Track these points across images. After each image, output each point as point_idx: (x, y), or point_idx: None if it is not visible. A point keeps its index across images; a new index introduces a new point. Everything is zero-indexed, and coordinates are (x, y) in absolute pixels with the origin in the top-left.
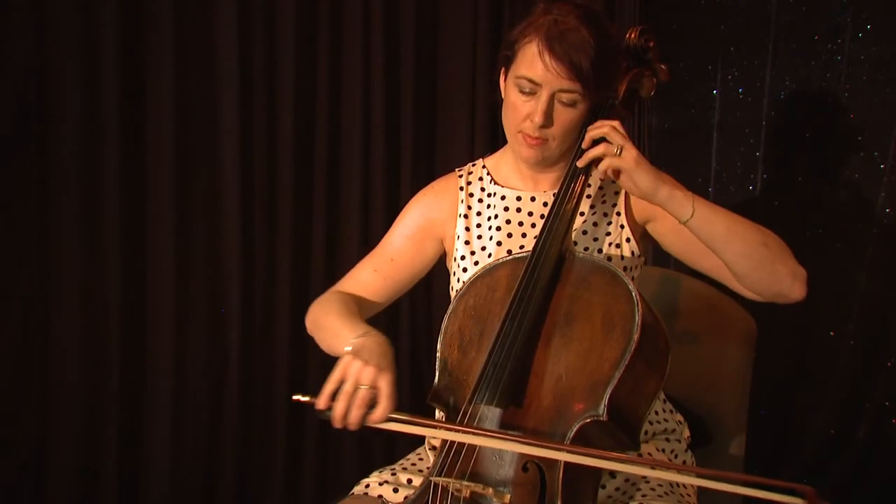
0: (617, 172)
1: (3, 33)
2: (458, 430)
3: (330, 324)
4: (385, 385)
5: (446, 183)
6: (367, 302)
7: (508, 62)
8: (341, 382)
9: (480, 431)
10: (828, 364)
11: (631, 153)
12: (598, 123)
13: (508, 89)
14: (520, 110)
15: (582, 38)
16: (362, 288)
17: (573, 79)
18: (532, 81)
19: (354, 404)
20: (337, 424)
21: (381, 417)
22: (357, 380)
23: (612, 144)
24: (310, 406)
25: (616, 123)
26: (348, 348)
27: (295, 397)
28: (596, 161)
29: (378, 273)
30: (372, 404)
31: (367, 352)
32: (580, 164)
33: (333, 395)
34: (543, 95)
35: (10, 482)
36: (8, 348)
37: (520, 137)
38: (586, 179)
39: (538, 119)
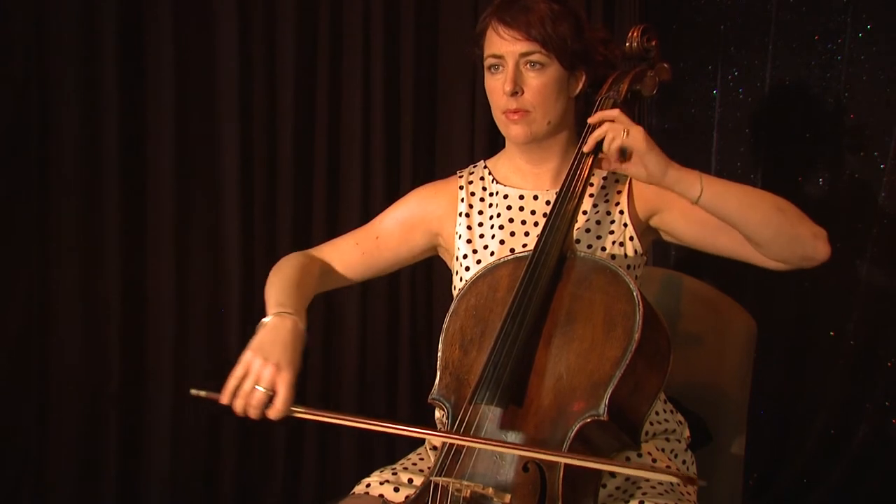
0: (624, 153)
1: (3, 34)
2: (355, 421)
3: (269, 286)
4: (282, 387)
5: (446, 182)
6: (334, 273)
7: (481, 57)
8: (242, 378)
9: (370, 422)
10: (828, 364)
11: (639, 133)
12: (600, 115)
13: (486, 79)
14: (495, 90)
15: (532, 4)
16: (338, 257)
17: (528, 39)
18: (494, 56)
19: (251, 404)
20: (238, 415)
21: (277, 416)
22: (256, 380)
23: (617, 131)
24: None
25: (617, 111)
26: (268, 319)
27: (193, 392)
28: (599, 155)
29: (359, 247)
30: (269, 403)
31: (269, 344)
32: (586, 148)
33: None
34: (509, 64)
35: (11, 482)
36: (8, 348)
37: (503, 118)
38: (588, 177)
39: (508, 87)
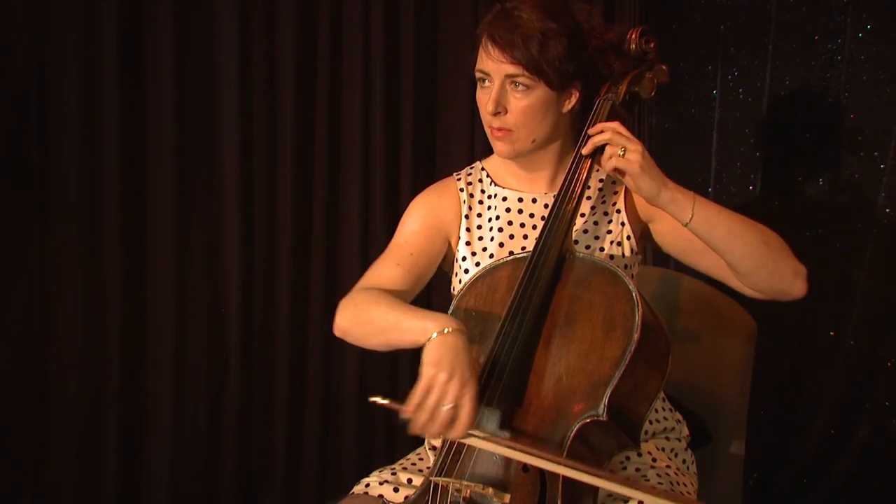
0: (621, 172)
1: (3, 33)
2: (559, 463)
3: (378, 316)
4: (467, 403)
5: (445, 185)
6: (397, 294)
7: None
8: (426, 394)
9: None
10: (828, 364)
11: (636, 155)
12: (599, 126)
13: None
14: (481, 104)
15: (524, 22)
16: (389, 282)
17: (514, 62)
18: (482, 72)
19: (436, 422)
20: (416, 433)
21: (460, 435)
22: (441, 397)
23: (615, 146)
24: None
25: (616, 124)
26: (434, 335)
27: (373, 399)
28: (599, 154)
29: (401, 266)
30: (453, 420)
31: (449, 360)
32: (584, 151)
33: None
34: (495, 83)
35: (11, 482)
36: (8, 348)
37: (489, 132)
38: (587, 178)
39: (490, 107)
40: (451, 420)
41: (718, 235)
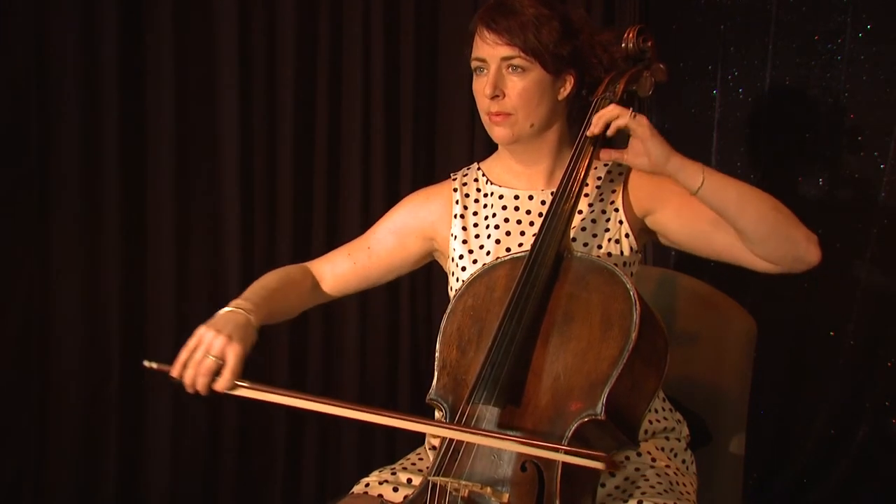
0: (632, 132)
1: (3, 33)
2: (306, 399)
3: (247, 289)
4: (231, 356)
5: (439, 187)
6: (328, 285)
7: (469, 58)
8: (194, 350)
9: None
10: (828, 364)
11: (644, 119)
12: (603, 111)
13: (473, 80)
14: (478, 92)
15: (517, 8)
16: (331, 269)
17: (509, 43)
18: (478, 59)
19: (200, 373)
20: (189, 390)
21: (224, 387)
22: (207, 349)
23: (625, 116)
24: (162, 373)
25: (614, 106)
26: (223, 311)
27: (146, 363)
28: (599, 146)
29: (350, 258)
30: (218, 373)
31: (223, 321)
32: (590, 132)
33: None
34: (491, 68)
35: (11, 482)
36: (8, 348)
37: (487, 119)
38: (585, 177)
39: (487, 90)
40: (217, 371)
41: (730, 200)
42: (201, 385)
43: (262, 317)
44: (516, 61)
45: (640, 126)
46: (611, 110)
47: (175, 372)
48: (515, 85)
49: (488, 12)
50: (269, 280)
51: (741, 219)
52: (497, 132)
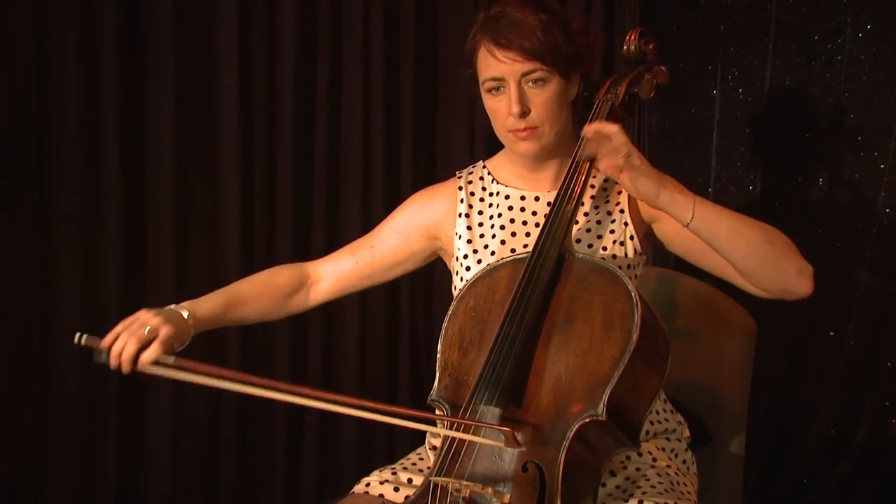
0: (618, 170)
1: (3, 34)
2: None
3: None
4: (164, 332)
5: (444, 185)
6: (328, 284)
7: (474, 77)
8: (130, 323)
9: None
10: (828, 364)
11: (632, 159)
12: (597, 126)
13: (484, 99)
14: (499, 112)
15: (520, 19)
16: (333, 269)
17: (528, 59)
18: (495, 79)
19: (130, 340)
20: (113, 360)
21: (150, 358)
22: (143, 323)
23: (607, 152)
24: (89, 349)
25: (616, 129)
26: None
27: (76, 337)
28: (596, 163)
29: (353, 256)
30: (146, 346)
31: (162, 310)
32: (580, 157)
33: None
34: (511, 86)
35: (11, 482)
36: (8, 348)
37: (511, 137)
38: (587, 179)
39: (515, 109)
40: (148, 342)
41: (720, 235)
42: (128, 353)
43: (202, 321)
44: (537, 74)
45: (626, 166)
46: (593, 150)
47: (106, 341)
48: (538, 98)
49: (493, 29)
50: (239, 286)
51: (731, 252)
52: (523, 147)
